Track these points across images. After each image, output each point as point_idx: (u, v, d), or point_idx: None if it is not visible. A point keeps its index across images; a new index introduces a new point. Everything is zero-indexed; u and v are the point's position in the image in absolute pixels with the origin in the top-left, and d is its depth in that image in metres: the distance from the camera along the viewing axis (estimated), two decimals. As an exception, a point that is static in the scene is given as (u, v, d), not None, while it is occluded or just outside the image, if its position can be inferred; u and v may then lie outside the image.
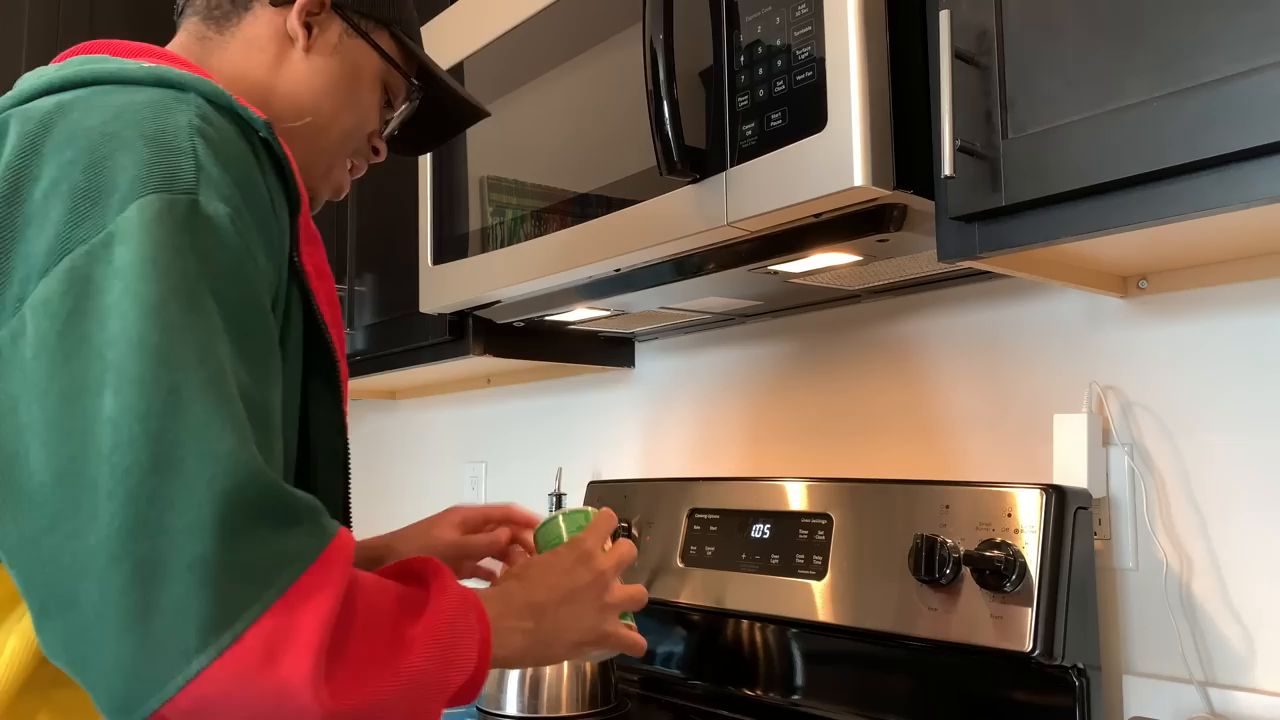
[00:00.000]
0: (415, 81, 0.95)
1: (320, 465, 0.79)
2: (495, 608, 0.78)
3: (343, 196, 0.97)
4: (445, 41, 1.49)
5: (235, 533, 0.58)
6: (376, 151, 0.97)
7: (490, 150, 1.41)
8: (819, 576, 1.24)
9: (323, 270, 0.78)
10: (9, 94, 0.73)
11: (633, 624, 0.92)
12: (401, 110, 0.96)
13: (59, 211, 0.62)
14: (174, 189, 0.63)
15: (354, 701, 0.61)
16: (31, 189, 0.64)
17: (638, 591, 0.91)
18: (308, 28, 0.88)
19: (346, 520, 0.84)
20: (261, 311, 0.67)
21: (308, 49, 0.88)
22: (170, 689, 0.56)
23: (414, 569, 0.76)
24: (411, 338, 1.70)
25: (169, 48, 0.86)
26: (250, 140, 0.71)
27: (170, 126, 0.66)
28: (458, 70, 1.47)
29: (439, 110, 1.01)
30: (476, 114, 1.04)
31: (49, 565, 0.58)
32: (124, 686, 0.57)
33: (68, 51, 0.80)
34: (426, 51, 1.04)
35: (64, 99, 0.68)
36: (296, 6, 0.86)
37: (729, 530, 1.37)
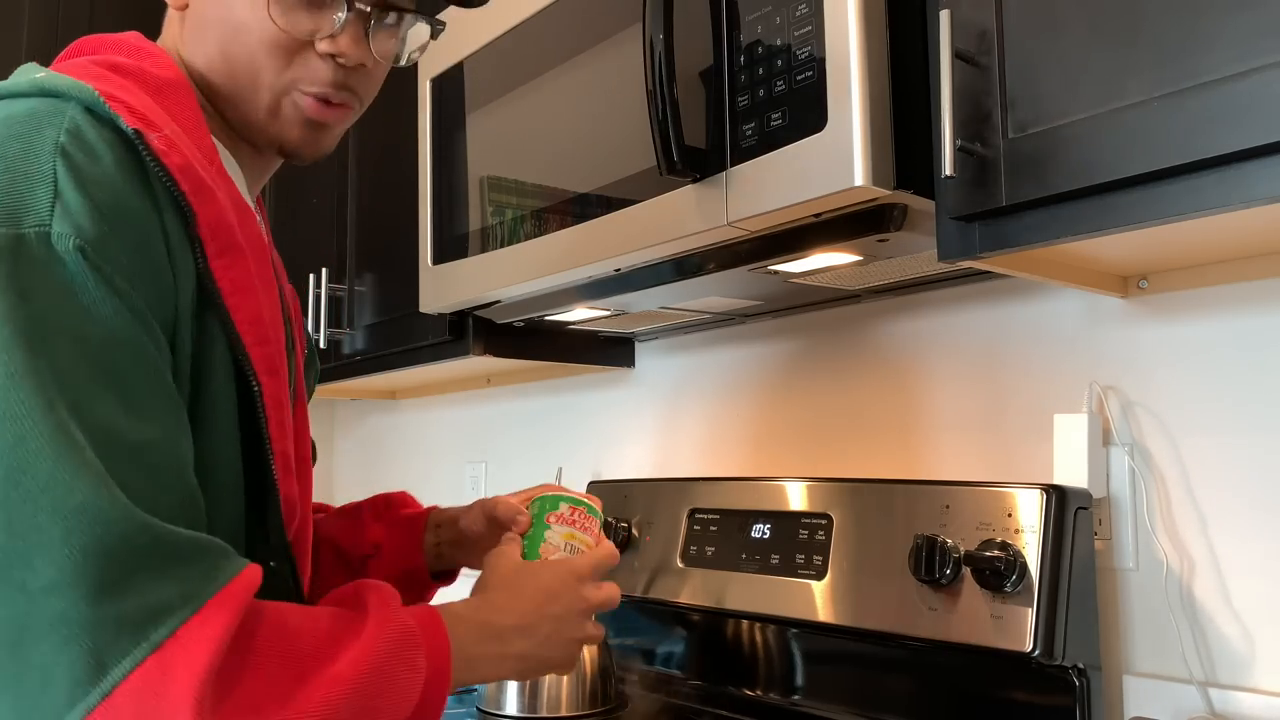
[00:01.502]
0: None
1: (251, 494, 0.74)
2: (468, 635, 0.75)
3: (328, 134, 0.83)
4: (445, 41, 1.49)
5: (101, 585, 0.56)
6: (336, 56, 0.79)
7: (490, 150, 1.41)
8: (819, 576, 1.24)
9: (244, 284, 0.72)
10: None
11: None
12: None
13: None
14: (22, 224, 0.60)
15: None
16: None
17: (614, 592, 0.87)
18: None
19: (291, 553, 0.79)
20: (132, 345, 0.63)
21: (183, 4, 0.80)
22: None
23: (359, 597, 0.72)
24: (411, 338, 1.70)
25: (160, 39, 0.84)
26: (135, 150, 0.67)
27: (34, 146, 0.63)
28: (458, 70, 1.47)
29: None
30: None
31: None
32: None
33: (68, 49, 0.79)
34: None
35: None
36: None
37: (729, 530, 1.37)
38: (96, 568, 0.56)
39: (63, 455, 0.57)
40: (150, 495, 0.60)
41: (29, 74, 0.70)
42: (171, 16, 0.83)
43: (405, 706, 0.67)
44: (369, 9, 0.79)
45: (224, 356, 0.71)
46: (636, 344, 1.82)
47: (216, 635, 0.58)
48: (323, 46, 0.78)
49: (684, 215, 1.08)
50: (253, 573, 0.63)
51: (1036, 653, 1.02)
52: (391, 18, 0.83)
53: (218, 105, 0.81)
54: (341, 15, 0.78)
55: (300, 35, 0.78)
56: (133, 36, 0.80)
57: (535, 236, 1.31)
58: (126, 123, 0.67)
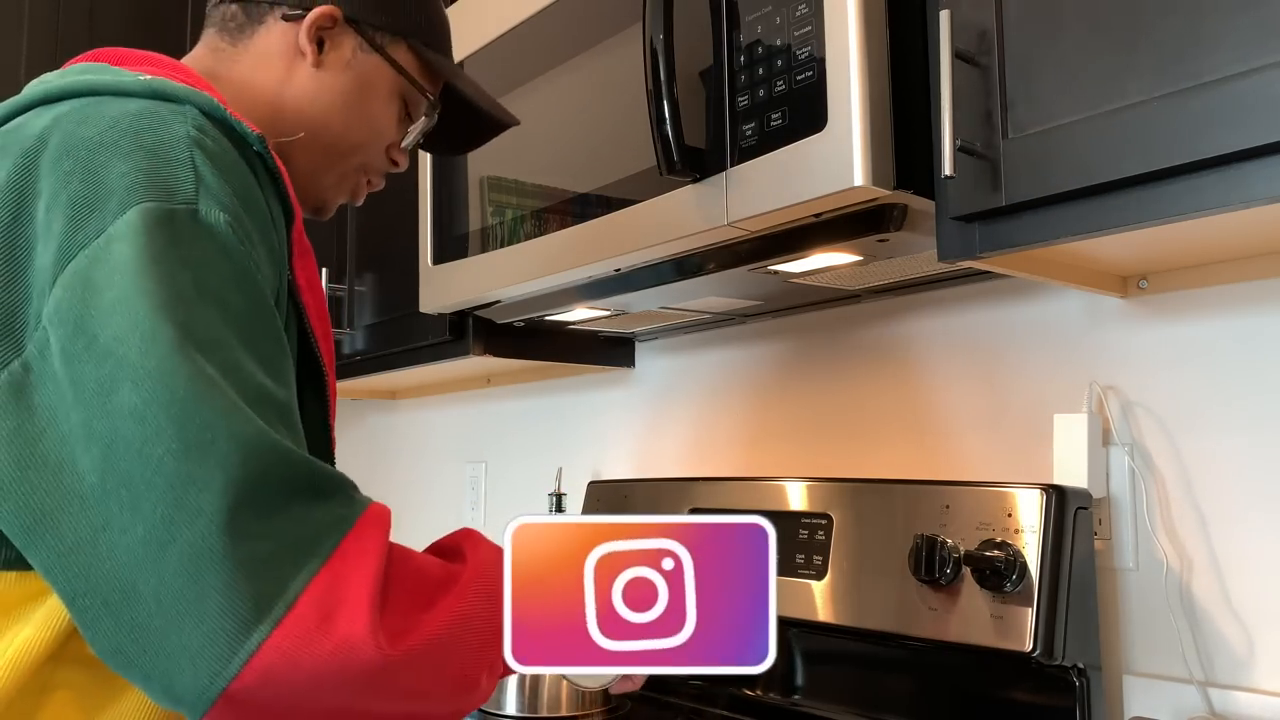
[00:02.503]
0: (431, 97, 0.94)
1: None
2: None
3: (358, 203, 0.97)
4: (445, 41, 1.50)
5: (272, 507, 0.60)
6: (396, 164, 0.96)
7: (490, 150, 1.41)
8: (819, 576, 1.24)
9: (314, 283, 0.79)
10: (8, 103, 0.72)
11: None
12: (420, 124, 0.95)
13: (60, 222, 0.63)
14: (172, 199, 0.64)
15: (409, 644, 0.63)
16: (35, 205, 0.64)
17: None
18: (319, 43, 0.87)
19: None
20: (271, 317, 0.68)
21: (318, 64, 0.87)
22: (234, 666, 0.58)
23: (448, 542, 0.77)
24: (411, 338, 1.70)
25: (184, 60, 0.86)
26: (245, 153, 0.71)
27: (167, 137, 0.66)
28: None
29: (463, 120, 1.00)
30: (503, 125, 1.03)
31: (106, 562, 0.59)
32: (191, 670, 0.58)
33: (75, 59, 0.80)
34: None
35: (60, 111, 0.68)
36: (307, 21, 0.86)
37: (729, 530, 1.37)
38: (270, 489, 0.60)
39: (236, 389, 0.61)
40: (294, 441, 0.65)
41: (108, 73, 0.72)
42: (273, 60, 0.87)
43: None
44: (422, 140, 0.98)
45: (296, 350, 0.75)
46: (636, 344, 1.82)
47: (377, 539, 0.64)
48: (396, 155, 0.96)
49: (684, 215, 1.08)
50: (381, 504, 0.68)
51: (1036, 653, 1.02)
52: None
53: (291, 151, 0.87)
54: (417, 137, 0.96)
55: (394, 140, 0.95)
56: (165, 57, 0.83)
57: (535, 236, 1.30)
58: (250, 127, 0.72)
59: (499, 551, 0.70)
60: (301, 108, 0.87)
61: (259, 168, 0.72)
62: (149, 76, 0.71)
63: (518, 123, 1.04)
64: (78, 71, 0.73)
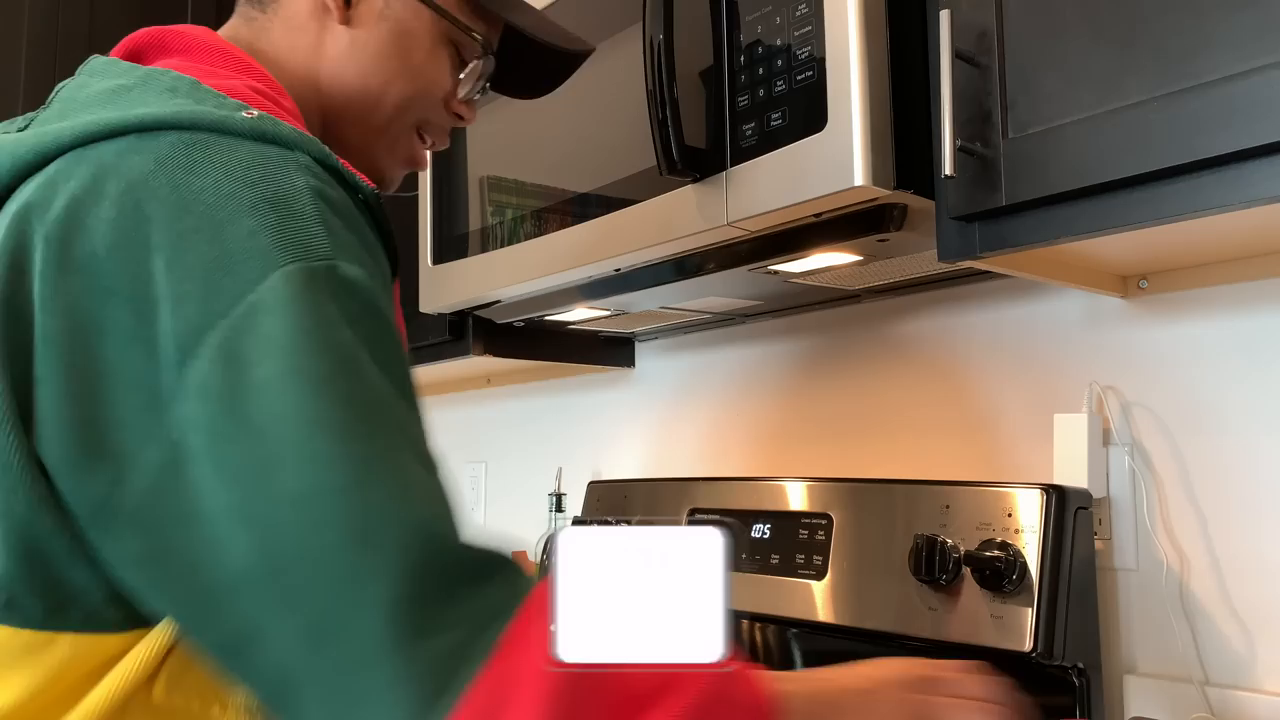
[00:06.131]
0: (479, 37, 0.85)
1: None
2: (797, 694, 0.67)
3: (423, 168, 0.91)
4: (445, 41, 1.49)
5: (437, 598, 0.54)
6: (460, 117, 0.89)
7: (490, 150, 1.41)
8: (819, 576, 1.24)
9: (402, 327, 0.74)
10: (67, 125, 0.63)
11: None
12: (474, 69, 0.87)
13: (189, 284, 0.56)
14: (311, 256, 0.58)
15: None
16: (150, 258, 0.57)
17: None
18: None
19: None
20: (411, 371, 0.63)
21: (347, 21, 0.81)
22: None
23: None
24: (411, 338, 1.68)
25: (221, 32, 0.82)
26: (354, 200, 0.66)
27: (290, 190, 0.60)
28: (458, 70, 1.47)
29: (529, 57, 0.92)
30: (576, 56, 0.94)
31: (266, 660, 0.55)
32: None
33: (127, 40, 0.76)
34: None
35: (161, 152, 0.61)
36: None
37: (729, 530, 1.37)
38: (435, 579, 0.54)
39: (404, 472, 0.56)
40: (452, 513, 0.59)
41: (204, 100, 0.66)
42: (303, 23, 0.81)
43: None
44: (488, 87, 0.91)
45: None
46: (636, 344, 1.82)
47: (546, 623, 0.55)
48: (458, 108, 0.88)
49: (684, 215, 1.08)
50: (544, 584, 0.61)
51: (1036, 653, 1.02)
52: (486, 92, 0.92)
53: (338, 124, 0.82)
54: (478, 85, 0.89)
55: (448, 91, 0.87)
56: (209, 35, 0.78)
57: (535, 236, 1.31)
58: (363, 180, 0.67)
59: (721, 675, 0.61)
60: (339, 74, 0.81)
61: (368, 218, 0.67)
62: (255, 115, 0.65)
63: (592, 49, 0.96)
64: (166, 92, 0.66)
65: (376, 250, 0.65)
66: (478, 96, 0.91)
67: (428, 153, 0.91)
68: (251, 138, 0.63)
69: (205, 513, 0.54)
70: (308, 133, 0.68)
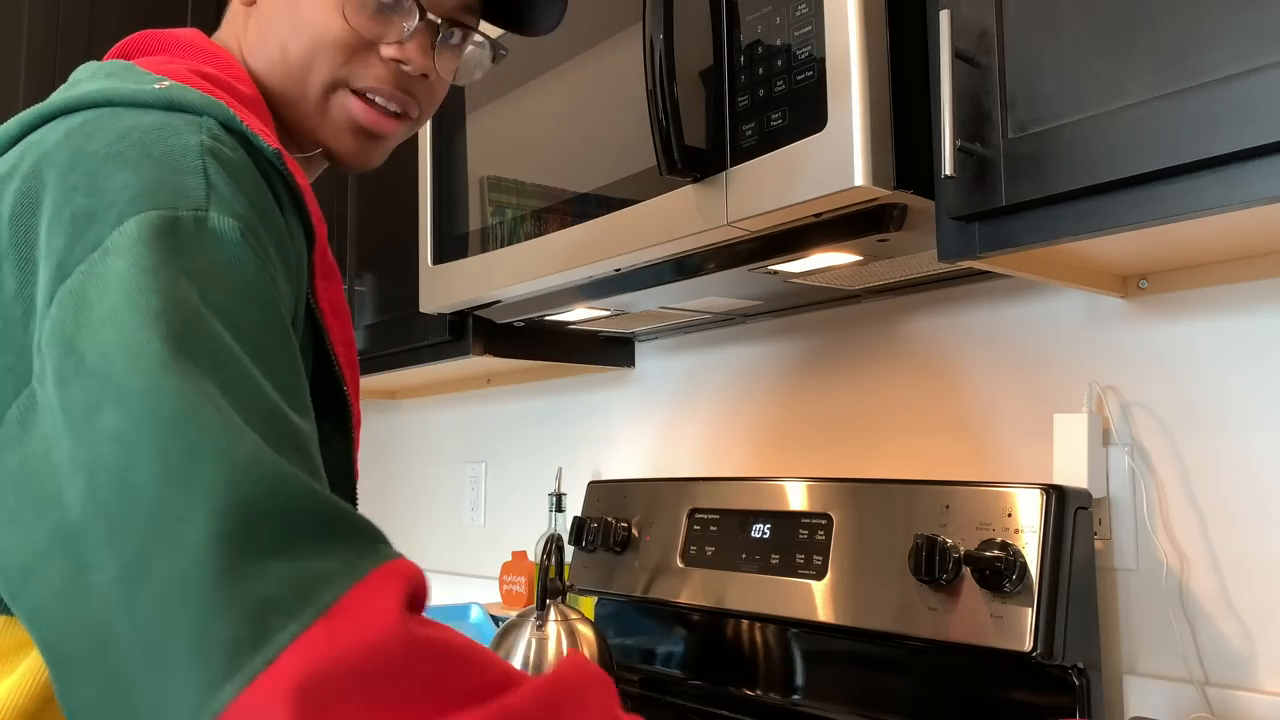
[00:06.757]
0: None
1: None
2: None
3: (379, 145, 0.84)
4: (445, 41, 1.49)
5: (269, 543, 0.51)
6: (401, 61, 0.81)
7: (490, 150, 1.41)
8: (819, 576, 1.24)
9: (338, 308, 0.72)
10: (35, 110, 0.68)
11: None
12: (392, 3, 0.80)
13: (60, 238, 0.58)
14: (178, 206, 0.58)
15: None
16: (38, 220, 0.59)
17: None
18: None
19: None
20: (284, 333, 0.61)
21: (251, 1, 0.81)
22: None
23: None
24: (411, 338, 1.70)
25: (216, 36, 0.84)
26: (263, 168, 0.66)
27: (179, 146, 0.62)
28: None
29: None
30: None
31: (82, 606, 0.52)
32: None
33: (121, 43, 0.78)
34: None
35: (72, 124, 0.64)
36: None
37: (729, 530, 1.37)
38: (263, 523, 0.52)
39: (232, 408, 0.54)
40: (308, 473, 0.56)
41: (128, 79, 0.68)
42: (235, 13, 0.83)
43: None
44: (439, 22, 0.82)
45: (312, 376, 0.69)
46: (636, 344, 1.82)
47: (389, 607, 0.52)
48: (389, 51, 0.81)
49: (684, 215, 1.08)
50: (414, 566, 0.57)
51: (1036, 653, 1.02)
52: (456, 36, 0.85)
53: (276, 110, 0.81)
54: (412, 24, 0.80)
55: (368, 36, 0.80)
56: (197, 37, 0.79)
57: (535, 236, 1.31)
58: (266, 141, 0.67)
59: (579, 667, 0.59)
60: (256, 56, 0.80)
61: (278, 183, 0.67)
62: (166, 85, 0.67)
63: None
64: (102, 75, 0.69)
65: (273, 211, 0.65)
66: (456, 41, 0.85)
67: (390, 118, 0.83)
68: (159, 107, 0.65)
69: (56, 465, 0.54)
70: (258, 118, 0.69)
